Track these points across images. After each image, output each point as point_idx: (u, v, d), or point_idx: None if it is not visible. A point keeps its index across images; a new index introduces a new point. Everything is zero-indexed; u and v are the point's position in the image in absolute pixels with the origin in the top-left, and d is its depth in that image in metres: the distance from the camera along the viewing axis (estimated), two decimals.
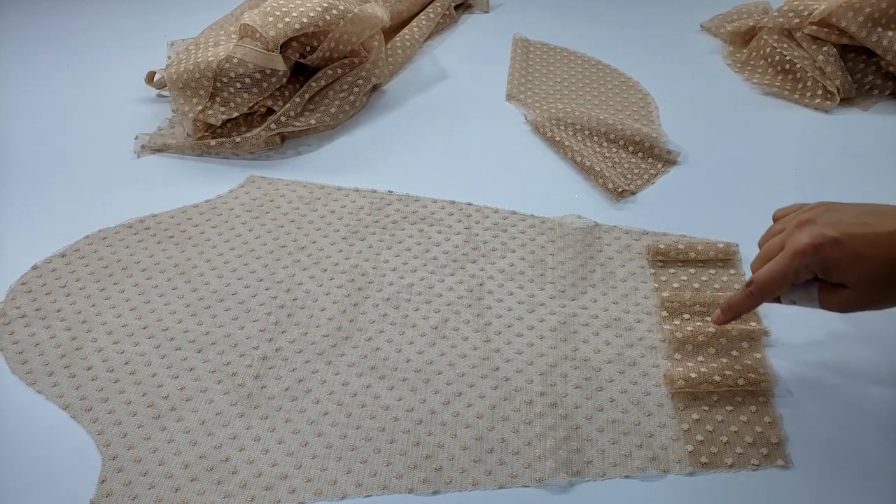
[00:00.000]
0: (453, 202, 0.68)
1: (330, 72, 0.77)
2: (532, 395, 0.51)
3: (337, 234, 0.65)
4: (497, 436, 0.48)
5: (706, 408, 0.49)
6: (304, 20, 0.73)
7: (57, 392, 0.51)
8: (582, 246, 0.62)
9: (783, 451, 0.46)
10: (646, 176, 0.70)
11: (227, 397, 0.51)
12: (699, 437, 0.48)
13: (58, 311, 0.57)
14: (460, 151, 0.75)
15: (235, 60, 0.72)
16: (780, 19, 0.82)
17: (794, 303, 0.48)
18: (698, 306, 0.55)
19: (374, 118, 0.81)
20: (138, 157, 0.75)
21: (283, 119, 0.74)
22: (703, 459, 0.46)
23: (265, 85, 0.73)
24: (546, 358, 0.53)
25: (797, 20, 0.80)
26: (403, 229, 0.65)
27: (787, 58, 0.81)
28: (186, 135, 0.76)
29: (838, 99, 0.78)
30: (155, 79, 0.84)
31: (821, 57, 0.79)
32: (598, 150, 0.74)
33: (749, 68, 0.86)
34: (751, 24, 0.88)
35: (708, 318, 0.55)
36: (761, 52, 0.85)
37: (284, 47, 0.74)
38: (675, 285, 0.58)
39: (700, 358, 0.52)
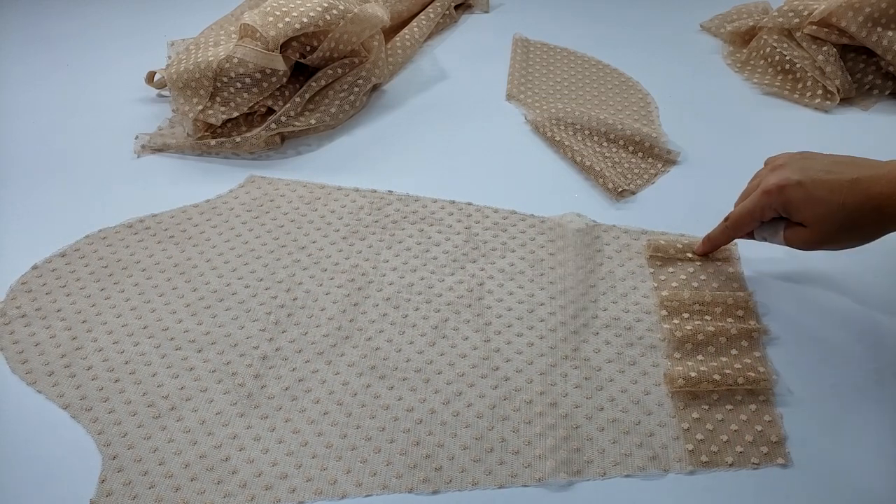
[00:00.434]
0: (453, 202, 0.68)
1: (330, 72, 0.77)
2: (532, 394, 0.51)
3: (337, 233, 0.65)
4: (497, 435, 0.48)
5: (706, 406, 0.49)
6: (304, 20, 0.73)
7: (57, 392, 0.51)
8: (581, 246, 0.62)
9: (783, 449, 0.46)
10: (646, 176, 0.70)
11: (227, 397, 0.51)
12: (699, 436, 0.48)
13: (58, 310, 0.57)
14: (460, 151, 0.75)
15: (235, 60, 0.72)
16: (780, 19, 0.82)
17: (764, 239, 0.54)
18: (697, 305, 0.55)
19: (374, 118, 0.81)
20: (138, 157, 0.75)
21: (283, 119, 0.74)
22: (704, 458, 0.46)
23: (265, 85, 0.73)
24: (546, 357, 0.53)
25: (797, 20, 0.81)
26: (403, 229, 0.65)
27: (787, 58, 0.81)
28: (186, 135, 0.76)
29: (838, 99, 0.78)
30: (155, 79, 0.84)
31: (821, 57, 0.79)
32: (598, 149, 0.74)
33: (749, 68, 0.86)
34: (751, 24, 0.88)
35: (707, 318, 0.55)
36: (761, 52, 0.85)
37: (284, 47, 0.74)
38: (674, 284, 0.58)
39: (700, 357, 0.52)
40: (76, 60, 0.93)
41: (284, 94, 0.76)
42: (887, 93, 0.80)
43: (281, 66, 0.72)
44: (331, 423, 0.49)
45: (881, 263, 0.59)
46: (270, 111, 0.76)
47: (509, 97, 0.83)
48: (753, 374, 0.50)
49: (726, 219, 0.56)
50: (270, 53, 0.72)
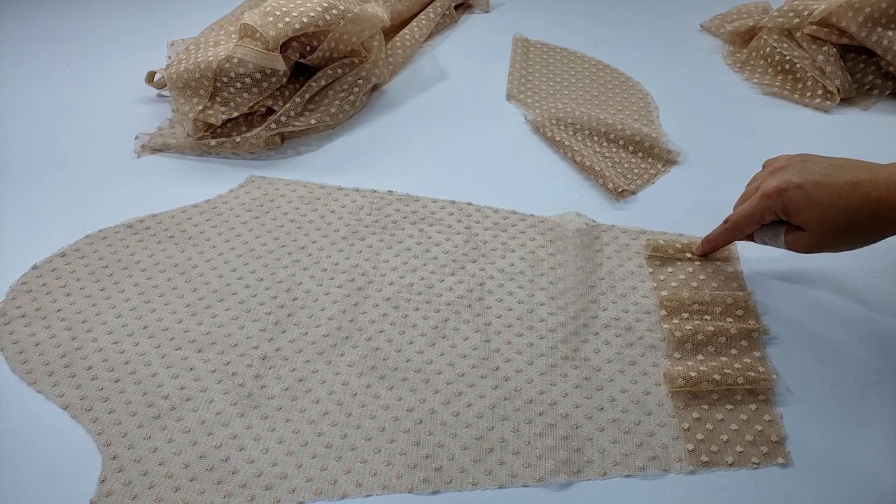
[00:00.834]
0: (453, 202, 0.68)
1: (330, 72, 0.77)
2: (532, 394, 0.51)
3: (337, 233, 0.65)
4: (497, 435, 0.48)
5: (706, 406, 0.49)
6: (304, 20, 0.73)
7: (57, 392, 0.51)
8: (581, 246, 0.62)
9: (783, 449, 0.46)
10: (646, 176, 0.70)
11: (227, 397, 0.51)
12: (699, 436, 0.48)
13: (58, 310, 0.57)
14: (460, 151, 0.75)
15: (235, 60, 0.72)
16: (780, 19, 0.82)
17: (765, 243, 0.54)
18: (697, 305, 0.55)
19: (374, 118, 0.81)
20: (138, 157, 0.75)
21: (283, 119, 0.74)
22: (704, 458, 0.46)
23: (265, 85, 0.73)
24: (546, 357, 0.53)
25: (797, 20, 0.81)
26: (403, 229, 0.65)
27: (787, 58, 0.81)
28: (186, 135, 0.76)
29: (838, 99, 0.78)
30: (155, 79, 0.84)
31: (821, 57, 0.79)
32: (598, 149, 0.74)
33: (749, 68, 0.86)
34: (751, 24, 0.88)
35: (707, 317, 0.55)
36: (761, 52, 0.85)
37: (284, 47, 0.74)
38: (674, 284, 0.58)
39: (699, 356, 0.52)
40: (76, 60, 0.93)
41: (284, 94, 0.76)
42: (887, 93, 0.80)
43: (281, 66, 0.72)
44: (331, 423, 0.49)
45: (881, 263, 0.59)
46: (270, 111, 0.76)
47: (509, 97, 0.83)
48: (753, 374, 0.50)
49: (726, 221, 0.56)
50: (270, 53, 0.72)
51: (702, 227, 0.63)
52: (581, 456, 0.47)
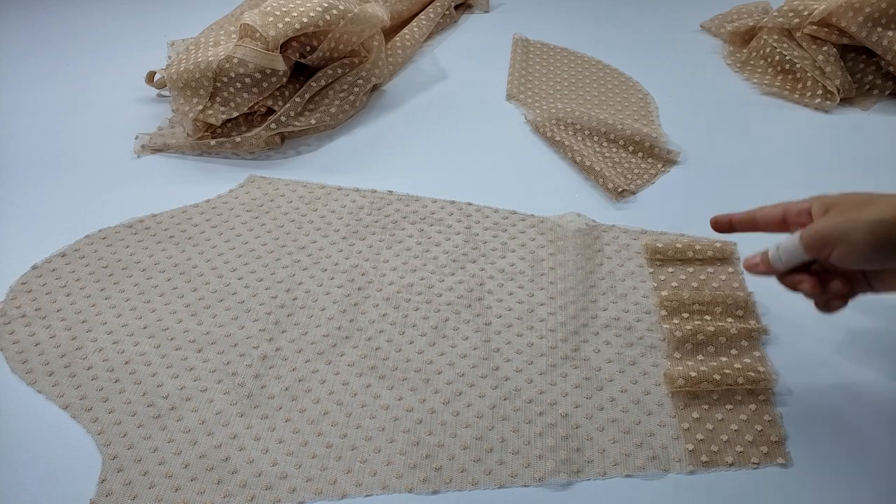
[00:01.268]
0: (453, 202, 0.68)
1: (330, 72, 0.77)
2: (532, 394, 0.51)
3: (337, 233, 0.65)
4: (497, 435, 0.48)
5: (706, 406, 0.49)
6: (304, 20, 0.73)
7: (57, 392, 0.51)
8: (581, 246, 0.62)
9: (783, 449, 0.46)
10: (646, 176, 0.70)
11: (226, 397, 0.51)
12: (699, 436, 0.48)
13: (58, 310, 0.57)
14: (460, 151, 0.75)
15: (235, 60, 0.72)
16: (780, 19, 0.82)
17: (780, 259, 0.46)
18: (697, 305, 0.55)
19: (374, 118, 0.81)
20: (138, 157, 0.75)
21: (283, 119, 0.74)
22: (704, 458, 0.46)
23: (265, 85, 0.73)
24: (546, 357, 0.53)
25: (797, 20, 0.81)
26: (403, 229, 0.65)
27: (787, 58, 0.81)
28: (186, 135, 0.76)
29: (838, 99, 0.78)
30: (155, 79, 0.84)
31: (821, 57, 0.79)
32: (598, 150, 0.74)
33: (749, 68, 0.86)
34: (751, 24, 0.88)
35: (707, 317, 0.55)
36: (761, 52, 0.85)
37: (284, 47, 0.74)
38: (674, 284, 0.58)
39: (699, 356, 0.52)
40: (76, 60, 0.93)
41: (284, 94, 0.76)
42: (887, 93, 0.80)
43: (281, 66, 0.72)
44: (331, 423, 0.49)
45: None
46: (270, 111, 0.76)
47: (509, 97, 0.83)
48: (753, 374, 0.50)
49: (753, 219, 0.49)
50: (270, 53, 0.72)
51: (702, 227, 0.63)
52: (581, 456, 0.47)
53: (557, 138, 0.74)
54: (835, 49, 0.79)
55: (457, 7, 1.02)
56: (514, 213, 0.66)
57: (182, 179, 0.72)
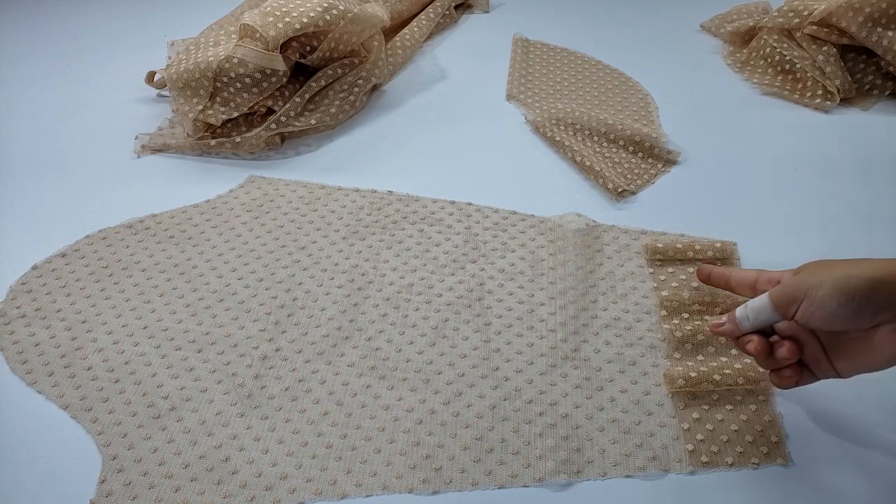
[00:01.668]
0: (453, 202, 0.68)
1: (330, 72, 0.77)
2: (532, 394, 0.51)
3: (337, 234, 0.65)
4: (497, 436, 0.48)
5: (706, 407, 0.49)
6: (304, 20, 0.73)
7: (57, 392, 0.51)
8: (581, 246, 0.62)
9: (783, 449, 0.46)
10: (646, 176, 0.70)
11: (227, 397, 0.51)
12: (700, 436, 0.48)
13: (58, 311, 0.57)
14: (460, 151, 0.75)
15: (235, 60, 0.72)
16: (780, 19, 0.82)
17: (747, 318, 0.45)
18: (697, 305, 0.55)
19: (374, 118, 0.81)
20: (138, 157, 0.75)
21: (283, 119, 0.74)
22: (704, 458, 0.46)
23: (265, 85, 0.73)
24: (546, 358, 0.53)
25: (797, 20, 0.81)
26: (403, 229, 0.65)
27: (787, 58, 0.81)
28: (186, 135, 0.76)
29: (838, 99, 0.78)
30: (155, 79, 0.84)
31: (821, 57, 0.79)
32: (598, 150, 0.74)
33: (749, 68, 0.86)
34: (751, 24, 0.88)
35: (707, 317, 0.55)
36: (761, 52, 0.85)
37: (284, 47, 0.74)
38: (674, 284, 0.58)
39: (700, 357, 0.52)
40: (76, 60, 0.93)
41: (284, 94, 0.76)
42: (887, 93, 0.80)
43: (281, 66, 0.72)
44: (331, 423, 0.49)
45: None
46: (270, 111, 0.76)
47: (509, 97, 0.83)
48: (753, 374, 0.50)
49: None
50: (270, 53, 0.72)
51: (702, 227, 0.63)
52: (581, 456, 0.47)
53: (557, 138, 0.74)
54: (835, 49, 0.79)
55: (457, 7, 1.02)
56: (515, 213, 0.66)
57: (182, 179, 0.72)
